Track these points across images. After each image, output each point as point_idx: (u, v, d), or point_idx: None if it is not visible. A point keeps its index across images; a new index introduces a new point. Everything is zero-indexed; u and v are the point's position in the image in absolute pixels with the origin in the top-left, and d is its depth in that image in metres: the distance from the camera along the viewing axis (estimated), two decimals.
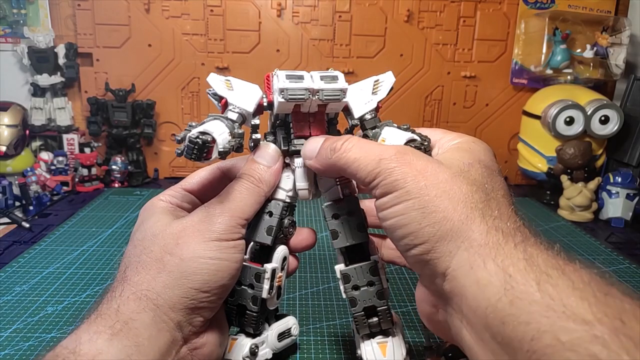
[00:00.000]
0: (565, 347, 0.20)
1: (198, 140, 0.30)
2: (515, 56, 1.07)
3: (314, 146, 0.35)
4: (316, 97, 0.34)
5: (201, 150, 0.31)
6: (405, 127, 0.36)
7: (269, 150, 0.37)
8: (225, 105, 0.36)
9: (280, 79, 0.34)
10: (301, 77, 0.34)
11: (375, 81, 0.38)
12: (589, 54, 1.01)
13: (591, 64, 1.01)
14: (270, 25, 1.03)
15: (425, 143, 0.34)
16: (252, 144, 0.37)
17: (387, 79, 0.38)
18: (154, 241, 0.33)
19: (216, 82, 0.36)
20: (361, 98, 0.37)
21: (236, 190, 0.35)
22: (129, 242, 0.35)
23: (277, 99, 0.34)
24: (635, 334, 0.20)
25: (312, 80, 0.34)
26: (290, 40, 1.04)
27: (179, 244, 0.32)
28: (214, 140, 0.31)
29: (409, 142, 0.33)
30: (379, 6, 1.03)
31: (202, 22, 1.02)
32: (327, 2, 1.02)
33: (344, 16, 1.03)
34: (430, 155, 0.33)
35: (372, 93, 0.37)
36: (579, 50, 1.01)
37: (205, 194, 0.38)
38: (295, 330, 0.43)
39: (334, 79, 0.35)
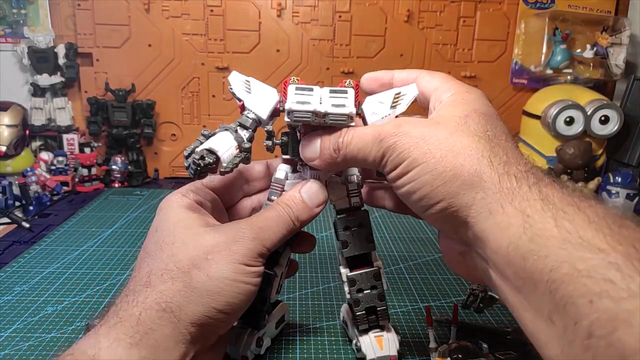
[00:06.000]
0: (581, 274, 0.22)
1: (200, 162, 0.32)
2: (515, 56, 1.07)
3: (313, 148, 0.35)
4: (322, 120, 0.34)
5: (204, 171, 0.33)
6: None
7: (316, 189, 0.37)
8: (242, 108, 0.37)
9: (289, 96, 0.33)
10: (311, 91, 0.34)
11: (397, 94, 0.36)
12: (589, 54, 1.01)
13: (591, 64, 1.01)
14: (270, 25, 1.03)
15: None
16: (266, 149, 0.38)
17: (410, 92, 0.36)
18: (183, 250, 0.33)
19: (236, 82, 0.37)
20: (379, 112, 0.35)
21: (273, 220, 0.35)
22: (149, 238, 0.35)
23: (285, 117, 0.34)
24: None
25: (321, 100, 0.33)
26: (290, 40, 1.04)
27: (208, 259, 0.33)
28: (217, 160, 0.33)
29: None
30: (379, 6, 1.03)
31: (202, 22, 1.02)
32: (327, 2, 1.02)
33: (344, 16, 1.03)
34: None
35: (391, 107, 0.35)
36: (579, 50, 1.01)
37: (226, 191, 0.40)
38: (287, 316, 0.47)
39: (344, 96, 0.34)
